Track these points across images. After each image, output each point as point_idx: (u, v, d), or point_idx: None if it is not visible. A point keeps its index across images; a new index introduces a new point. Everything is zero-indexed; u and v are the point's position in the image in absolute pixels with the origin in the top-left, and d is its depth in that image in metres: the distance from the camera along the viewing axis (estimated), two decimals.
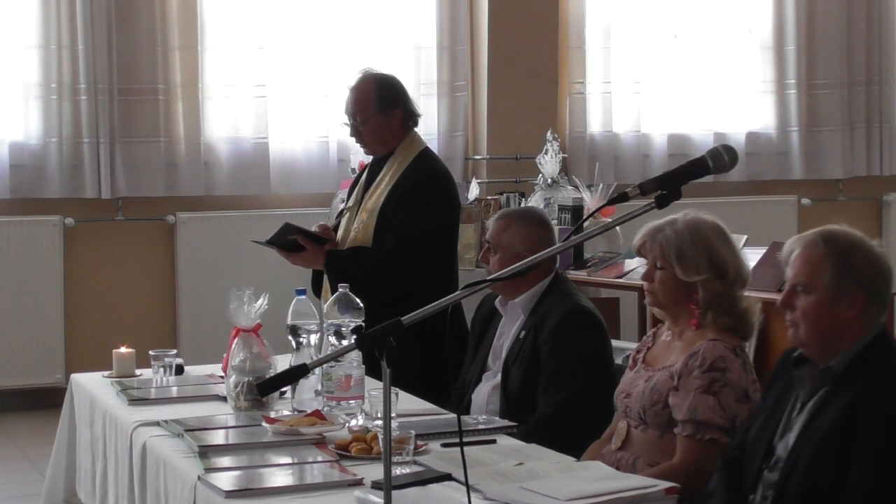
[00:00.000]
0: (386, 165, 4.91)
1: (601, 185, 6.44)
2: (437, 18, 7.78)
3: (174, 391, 4.21)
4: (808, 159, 8.50)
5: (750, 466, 2.98)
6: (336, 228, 4.99)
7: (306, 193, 7.56)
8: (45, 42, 7.12)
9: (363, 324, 3.66)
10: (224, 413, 3.79)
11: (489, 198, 7.19)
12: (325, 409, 3.61)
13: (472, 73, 7.91)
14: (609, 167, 7.84)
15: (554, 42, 7.98)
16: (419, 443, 3.28)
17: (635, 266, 5.88)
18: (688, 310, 3.50)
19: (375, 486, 2.97)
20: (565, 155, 7.45)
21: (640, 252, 3.64)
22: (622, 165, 8.08)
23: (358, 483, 3.02)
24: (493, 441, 3.48)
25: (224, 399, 3.92)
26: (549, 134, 7.09)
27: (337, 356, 3.53)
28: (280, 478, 3.15)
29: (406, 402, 3.81)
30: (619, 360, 4.12)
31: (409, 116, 4.93)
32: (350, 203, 5.02)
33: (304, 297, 3.84)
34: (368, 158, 5.16)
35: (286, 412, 3.66)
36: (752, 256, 5.14)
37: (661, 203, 2.67)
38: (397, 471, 3.00)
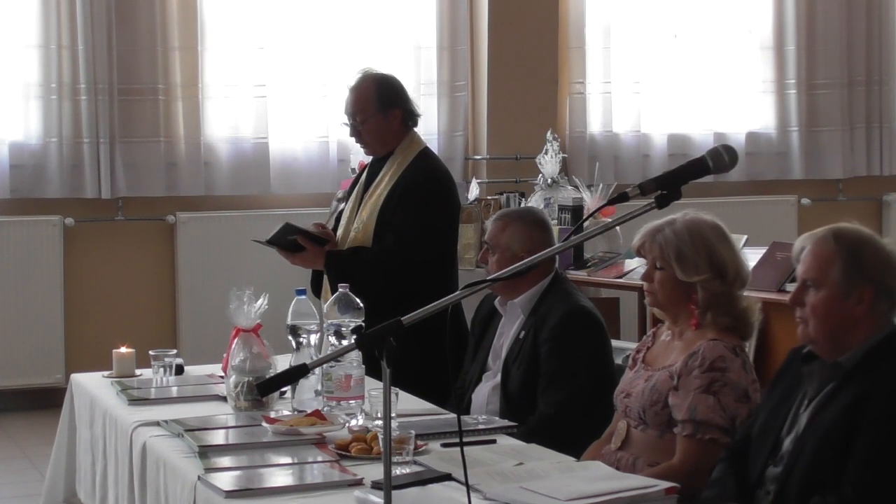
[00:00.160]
0: (386, 165, 4.91)
1: (601, 185, 6.45)
2: (437, 18, 7.78)
3: (174, 391, 4.21)
4: (808, 159, 8.50)
5: (756, 461, 2.98)
6: (335, 229, 5.00)
7: (306, 193, 7.56)
8: (45, 42, 7.12)
9: (363, 324, 3.66)
10: (224, 413, 3.79)
11: (489, 198, 7.19)
12: (325, 409, 3.61)
13: (472, 73, 7.91)
14: (609, 167, 7.85)
15: (554, 42, 7.98)
16: (419, 443, 3.28)
17: (635, 266, 5.88)
18: (687, 310, 3.50)
19: (375, 486, 2.97)
20: (565, 155, 7.45)
21: (639, 252, 3.64)
22: (622, 165, 8.09)
23: (358, 483, 3.02)
24: (493, 441, 3.48)
25: (224, 399, 3.92)
26: (549, 134, 7.09)
27: (337, 356, 3.53)
28: (280, 478, 3.15)
29: (406, 402, 3.81)
30: (619, 360, 4.12)
31: (409, 116, 4.93)
32: (350, 203, 5.02)
33: (304, 297, 3.84)
34: (368, 158, 5.16)
35: (286, 412, 3.66)
36: (752, 256, 5.15)
37: (661, 203, 2.67)
38: (397, 471, 3.00)
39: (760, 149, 8.44)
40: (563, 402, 3.98)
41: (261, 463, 3.25)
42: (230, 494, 2.97)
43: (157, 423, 3.67)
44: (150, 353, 4.39)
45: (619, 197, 2.67)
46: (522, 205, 6.69)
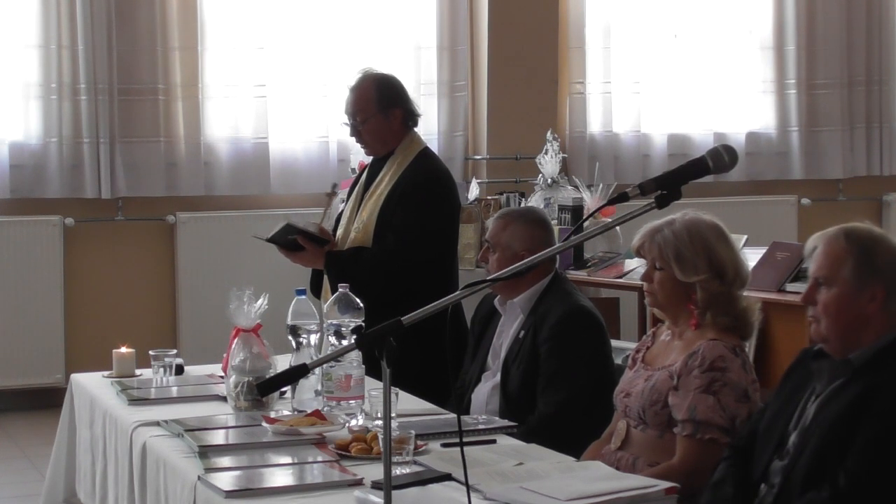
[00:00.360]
0: (386, 165, 4.91)
1: (601, 185, 6.45)
2: (437, 18, 7.79)
3: (174, 391, 4.21)
4: (808, 159, 8.51)
5: (761, 456, 2.99)
6: (335, 229, 5.00)
7: (306, 193, 7.56)
8: (45, 42, 7.13)
9: (363, 324, 3.67)
10: (224, 413, 3.79)
11: (489, 198, 7.19)
12: (325, 409, 3.61)
13: (472, 73, 7.91)
14: (609, 167, 7.85)
15: (554, 42, 7.98)
16: (419, 443, 3.28)
17: (635, 266, 5.89)
18: (687, 310, 3.50)
19: (375, 486, 2.97)
20: (565, 155, 7.45)
21: (639, 253, 3.64)
22: (622, 165, 8.09)
23: (358, 483, 3.02)
24: (493, 441, 3.48)
25: (224, 399, 3.92)
26: (549, 134, 7.09)
27: (337, 356, 3.53)
28: (280, 478, 3.15)
29: (406, 402, 3.81)
30: (618, 360, 4.12)
31: (409, 116, 4.93)
32: (350, 203, 5.02)
33: (304, 297, 3.84)
34: (368, 158, 5.16)
35: (286, 412, 3.66)
36: (752, 256, 5.15)
37: (661, 203, 2.67)
38: (397, 471, 3.00)
39: (760, 149, 8.44)
40: (562, 401, 3.98)
41: (261, 463, 3.25)
42: (230, 494, 2.97)
43: (157, 423, 3.67)
44: (150, 353, 4.39)
45: (619, 197, 2.67)
46: (522, 205, 6.70)
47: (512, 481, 2.99)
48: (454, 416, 3.54)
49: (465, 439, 2.99)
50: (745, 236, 5.49)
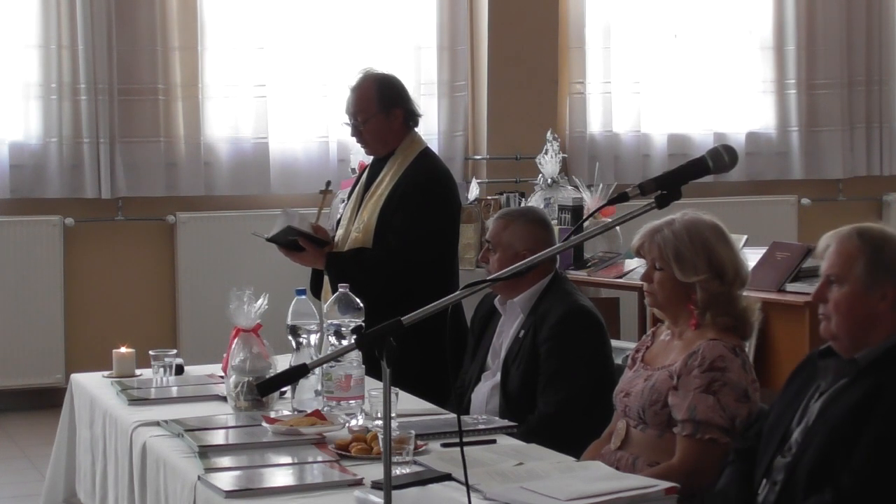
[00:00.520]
0: (386, 166, 4.91)
1: (601, 185, 6.45)
2: (437, 18, 7.79)
3: (174, 391, 4.21)
4: (808, 159, 8.51)
5: (765, 454, 2.99)
6: (334, 231, 5.00)
7: (306, 193, 7.54)
8: (45, 42, 7.13)
9: (363, 324, 3.66)
10: (224, 413, 3.79)
11: (489, 198, 7.19)
12: (325, 409, 3.61)
13: (472, 73, 7.91)
14: (609, 167, 7.85)
15: (554, 42, 7.98)
16: (419, 443, 3.28)
17: (635, 266, 5.89)
18: (687, 310, 3.50)
19: (375, 486, 2.97)
20: (565, 155, 7.45)
21: (638, 253, 3.64)
22: (622, 165, 8.09)
23: (358, 483, 3.02)
24: (493, 441, 3.48)
25: (224, 399, 3.92)
26: (549, 134, 7.09)
27: (337, 356, 3.53)
28: (280, 478, 3.15)
29: (406, 402, 3.81)
30: (618, 360, 4.12)
31: (410, 116, 4.93)
32: (350, 203, 5.02)
33: (304, 297, 3.84)
34: (368, 158, 5.16)
35: (286, 412, 3.66)
36: (752, 256, 5.15)
37: (661, 203, 2.67)
38: (397, 471, 3.00)
39: (760, 149, 8.44)
40: (562, 401, 3.98)
41: (261, 463, 3.25)
42: (230, 494, 2.97)
43: (157, 423, 3.66)
44: (150, 353, 4.39)
45: (619, 197, 2.67)
46: (522, 205, 6.70)
47: (512, 481, 2.99)
48: (454, 416, 3.54)
49: (465, 439, 2.99)
50: (745, 236, 5.49)
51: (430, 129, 7.56)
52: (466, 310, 4.67)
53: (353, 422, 3.49)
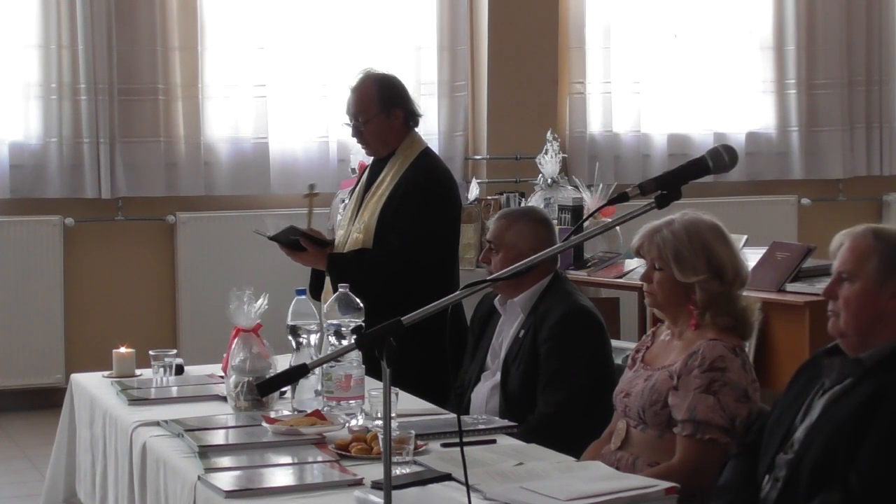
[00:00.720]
0: (387, 166, 4.91)
1: (601, 185, 6.45)
2: (437, 18, 7.79)
3: (174, 391, 4.21)
4: (808, 159, 8.51)
5: (767, 450, 2.99)
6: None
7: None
8: (45, 42, 7.13)
9: (363, 324, 3.67)
10: (224, 413, 3.79)
11: (489, 198, 7.19)
12: (325, 409, 3.61)
13: (472, 73, 7.91)
14: (609, 167, 7.85)
15: (554, 42, 7.98)
16: (419, 443, 3.28)
17: (635, 266, 5.89)
18: (687, 310, 3.50)
19: (375, 486, 2.97)
20: (565, 155, 7.45)
21: (638, 253, 3.64)
22: (622, 165, 8.09)
23: (358, 483, 3.02)
24: (493, 441, 3.48)
25: (224, 399, 3.92)
26: (549, 134, 7.09)
27: (337, 356, 3.53)
28: (280, 478, 3.15)
29: (406, 402, 3.81)
30: (618, 360, 4.12)
31: (411, 116, 4.93)
32: (351, 204, 5.02)
33: (304, 297, 3.84)
34: (369, 159, 5.16)
35: (286, 412, 3.66)
36: (752, 256, 5.15)
37: (661, 203, 2.67)
38: (397, 471, 3.00)
39: (760, 149, 8.44)
40: (562, 401, 3.98)
41: (261, 463, 3.25)
42: (230, 494, 2.97)
43: (157, 423, 3.67)
44: (150, 353, 4.39)
45: (619, 197, 2.67)
46: (523, 204, 6.70)
47: (512, 481, 2.99)
48: (454, 416, 3.54)
49: (465, 439, 2.99)
50: (745, 236, 5.50)
51: (430, 129, 7.56)
52: (466, 310, 4.67)
53: (353, 422, 3.49)
